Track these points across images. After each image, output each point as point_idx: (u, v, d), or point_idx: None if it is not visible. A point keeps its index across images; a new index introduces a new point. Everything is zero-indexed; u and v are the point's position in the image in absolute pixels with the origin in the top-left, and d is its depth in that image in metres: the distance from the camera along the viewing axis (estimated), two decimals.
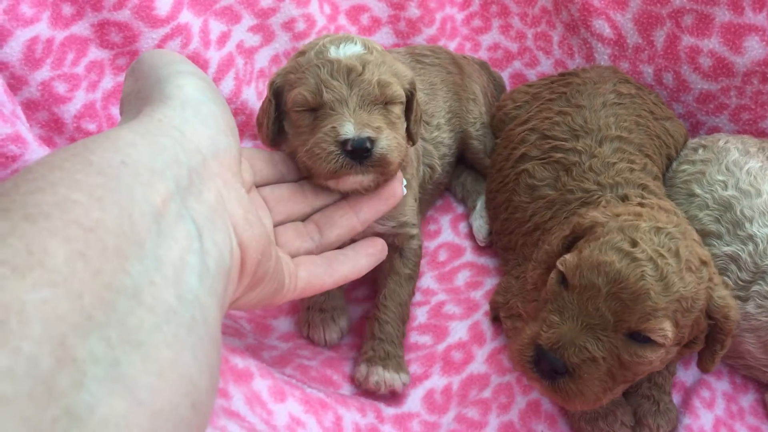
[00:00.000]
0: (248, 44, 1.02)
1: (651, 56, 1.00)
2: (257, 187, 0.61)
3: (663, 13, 0.96)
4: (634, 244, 0.58)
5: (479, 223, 0.96)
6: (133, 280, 0.32)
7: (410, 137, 0.72)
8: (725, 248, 0.77)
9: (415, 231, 0.80)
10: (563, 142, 0.82)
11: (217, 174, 0.43)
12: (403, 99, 0.68)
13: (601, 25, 1.01)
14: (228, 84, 0.98)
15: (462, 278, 0.93)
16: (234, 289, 0.44)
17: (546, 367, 0.58)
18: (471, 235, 0.98)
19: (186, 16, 0.92)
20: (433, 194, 0.96)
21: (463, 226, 1.00)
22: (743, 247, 0.76)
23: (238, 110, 1.00)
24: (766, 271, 0.74)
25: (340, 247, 0.65)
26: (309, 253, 0.61)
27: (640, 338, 0.57)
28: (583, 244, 0.61)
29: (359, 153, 0.62)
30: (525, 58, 1.14)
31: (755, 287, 0.74)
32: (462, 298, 0.90)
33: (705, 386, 0.80)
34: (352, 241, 0.68)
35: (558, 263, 0.61)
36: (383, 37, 1.14)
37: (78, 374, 0.27)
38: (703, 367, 0.65)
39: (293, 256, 0.59)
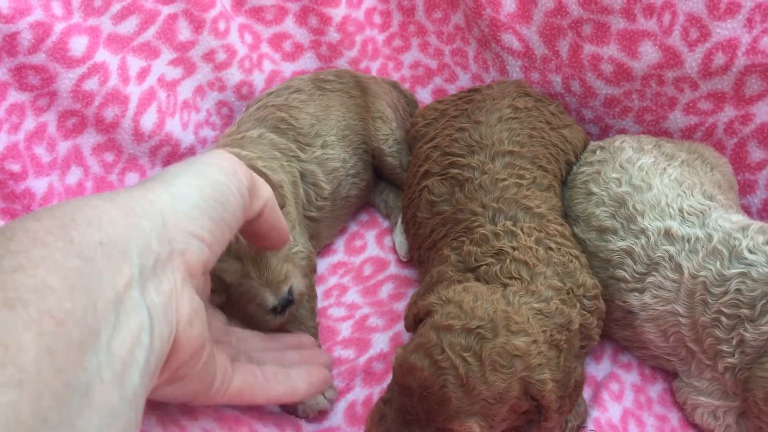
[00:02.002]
0: (170, 77, 1.05)
1: (558, 66, 1.04)
2: None
3: (564, 25, 1.00)
4: (441, 351, 0.61)
5: (400, 239, 0.99)
6: (87, 377, 0.33)
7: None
8: (620, 243, 0.80)
9: (295, 248, 0.83)
10: (460, 158, 0.85)
11: (179, 269, 0.44)
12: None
13: (510, 39, 1.05)
14: (151, 117, 1.01)
15: (386, 291, 0.96)
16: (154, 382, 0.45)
17: None
18: (395, 249, 1.01)
19: (102, 55, 0.95)
20: (341, 210, 1.00)
21: (387, 240, 1.03)
22: (636, 240, 0.79)
23: (163, 141, 1.03)
24: (659, 263, 0.77)
25: None
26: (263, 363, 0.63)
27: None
28: (417, 332, 0.66)
29: (287, 303, 0.71)
30: (444, 74, 1.18)
31: (650, 278, 0.78)
32: (385, 310, 0.93)
33: (614, 380, 0.83)
34: None
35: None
36: (307, 62, 1.18)
37: None
38: None
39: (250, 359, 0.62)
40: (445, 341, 0.62)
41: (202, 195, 0.47)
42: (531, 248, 0.75)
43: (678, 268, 0.75)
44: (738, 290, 0.70)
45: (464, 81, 1.16)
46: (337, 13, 1.14)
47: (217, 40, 1.06)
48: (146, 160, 1.04)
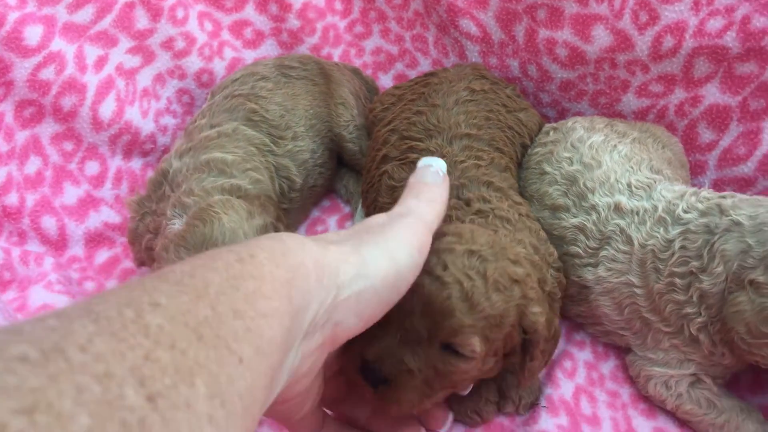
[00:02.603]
0: (128, 66, 1.05)
1: (515, 50, 1.05)
2: None
3: (519, 9, 1.01)
4: (445, 268, 0.61)
5: None
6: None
7: None
8: (572, 220, 0.82)
9: None
10: (418, 143, 0.86)
11: (325, 335, 0.44)
12: None
13: (468, 24, 1.06)
14: (110, 105, 1.01)
15: None
16: None
17: (369, 375, 0.62)
18: None
19: (58, 44, 0.95)
20: (307, 199, 1.01)
21: (349, 225, 1.04)
22: (588, 217, 0.81)
23: (122, 130, 1.03)
24: (611, 237, 0.79)
25: None
26: None
27: (453, 351, 0.62)
28: None
29: None
30: (405, 60, 1.19)
31: (603, 252, 0.80)
32: None
33: (568, 357, 0.85)
34: None
35: None
36: (268, 48, 1.18)
37: None
38: (519, 380, 0.69)
39: None
40: (448, 260, 0.62)
41: (384, 281, 0.47)
42: (507, 210, 0.76)
43: (629, 240, 0.78)
44: (683, 247, 0.73)
45: (425, 66, 1.17)
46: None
47: (176, 27, 1.06)
48: (106, 148, 1.04)
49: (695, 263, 0.72)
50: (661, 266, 0.75)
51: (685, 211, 0.75)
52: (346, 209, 1.07)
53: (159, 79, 1.09)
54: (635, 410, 0.81)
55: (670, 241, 0.74)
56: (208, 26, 1.13)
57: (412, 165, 0.85)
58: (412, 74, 1.19)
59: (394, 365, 0.61)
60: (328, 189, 1.09)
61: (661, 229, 0.75)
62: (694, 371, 0.76)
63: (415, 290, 0.61)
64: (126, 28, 1.02)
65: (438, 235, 0.67)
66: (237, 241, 0.72)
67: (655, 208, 0.77)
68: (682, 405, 0.78)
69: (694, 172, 0.96)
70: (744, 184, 0.93)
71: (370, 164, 0.93)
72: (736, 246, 0.69)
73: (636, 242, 0.77)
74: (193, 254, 0.73)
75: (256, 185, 0.86)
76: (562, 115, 1.07)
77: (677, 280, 0.73)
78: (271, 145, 0.93)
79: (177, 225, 0.78)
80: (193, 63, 1.10)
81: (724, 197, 0.74)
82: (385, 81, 1.21)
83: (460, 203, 0.78)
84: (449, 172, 0.81)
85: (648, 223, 0.77)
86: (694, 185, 0.96)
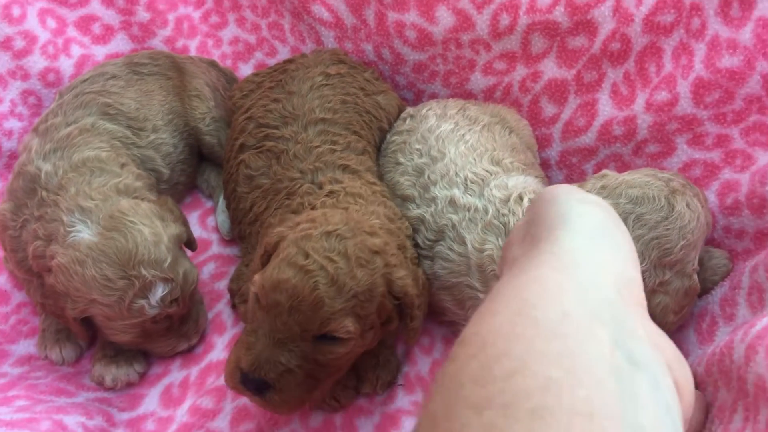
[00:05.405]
0: None
1: (368, 35, 1.05)
2: None
3: None
4: (306, 256, 0.62)
5: (222, 218, 0.99)
6: None
7: None
8: (416, 211, 0.83)
9: None
10: (275, 130, 0.86)
11: (631, 306, 0.38)
12: None
13: (319, 10, 1.06)
14: None
15: (207, 271, 0.96)
16: None
17: (251, 386, 0.62)
18: (218, 228, 1.01)
19: None
20: (173, 197, 0.97)
21: (210, 220, 1.03)
22: (428, 208, 0.82)
23: None
24: (444, 231, 0.80)
25: None
26: None
27: (328, 338, 0.62)
28: (271, 260, 0.65)
29: None
30: (264, 49, 1.18)
31: (438, 247, 0.80)
32: (206, 291, 0.93)
33: (426, 334, 0.87)
34: None
35: (251, 284, 0.65)
36: (119, 43, 1.14)
37: None
38: (406, 342, 0.70)
39: None
40: (308, 247, 0.62)
41: (598, 217, 0.43)
42: (360, 187, 0.77)
43: (461, 239, 0.78)
44: None
45: (284, 54, 1.16)
46: None
47: (12, 26, 1.02)
48: None
49: None
50: None
51: None
52: (208, 204, 1.05)
53: None
54: None
55: None
56: (51, 23, 1.08)
57: (268, 153, 0.85)
58: (272, 63, 1.16)
59: (272, 369, 0.61)
60: (191, 186, 1.06)
61: (498, 239, 0.75)
62: None
63: (279, 286, 0.61)
64: None
65: (293, 226, 0.67)
66: (160, 256, 0.74)
67: (486, 210, 0.78)
68: None
69: (542, 146, 0.99)
70: (588, 154, 0.96)
71: (229, 154, 0.92)
72: None
73: (470, 244, 0.77)
74: (117, 269, 0.72)
75: (140, 180, 0.85)
76: (419, 96, 1.08)
77: None
78: (133, 137, 0.91)
79: (83, 233, 0.75)
80: (36, 62, 1.06)
81: None
82: (246, 71, 1.18)
83: (312, 188, 0.79)
84: (303, 158, 0.82)
85: (479, 225, 0.77)
86: (543, 159, 0.99)
